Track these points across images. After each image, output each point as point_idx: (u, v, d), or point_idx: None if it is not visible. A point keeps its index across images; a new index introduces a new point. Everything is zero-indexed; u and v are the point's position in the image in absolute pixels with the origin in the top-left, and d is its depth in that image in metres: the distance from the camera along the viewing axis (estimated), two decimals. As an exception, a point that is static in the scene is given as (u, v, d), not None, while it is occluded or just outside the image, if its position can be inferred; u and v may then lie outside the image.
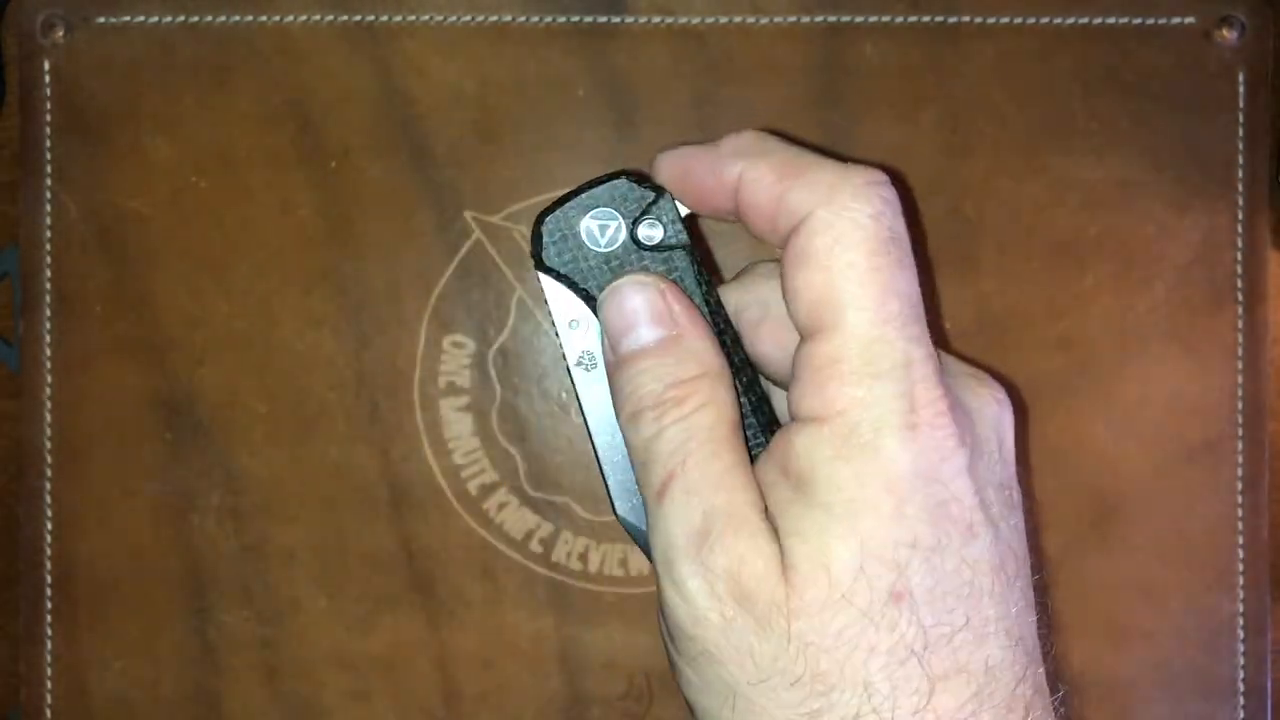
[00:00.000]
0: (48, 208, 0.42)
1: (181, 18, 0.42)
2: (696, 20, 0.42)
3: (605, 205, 0.30)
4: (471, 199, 0.42)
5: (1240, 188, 0.42)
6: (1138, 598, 0.42)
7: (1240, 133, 0.42)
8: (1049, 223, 0.42)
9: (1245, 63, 0.42)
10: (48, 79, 0.42)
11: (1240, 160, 0.42)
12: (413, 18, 0.42)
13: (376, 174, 0.42)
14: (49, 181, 0.42)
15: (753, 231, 0.28)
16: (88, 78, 0.42)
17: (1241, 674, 0.42)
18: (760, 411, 0.30)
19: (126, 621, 0.42)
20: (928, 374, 0.26)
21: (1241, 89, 0.42)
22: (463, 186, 0.42)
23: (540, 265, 0.30)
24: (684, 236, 0.30)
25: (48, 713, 0.42)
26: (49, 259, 0.42)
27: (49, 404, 0.42)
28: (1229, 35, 0.42)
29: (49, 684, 0.42)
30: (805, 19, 0.42)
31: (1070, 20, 0.42)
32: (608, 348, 0.29)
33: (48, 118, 0.42)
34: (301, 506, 0.42)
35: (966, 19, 0.42)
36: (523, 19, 0.42)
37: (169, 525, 0.42)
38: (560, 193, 0.30)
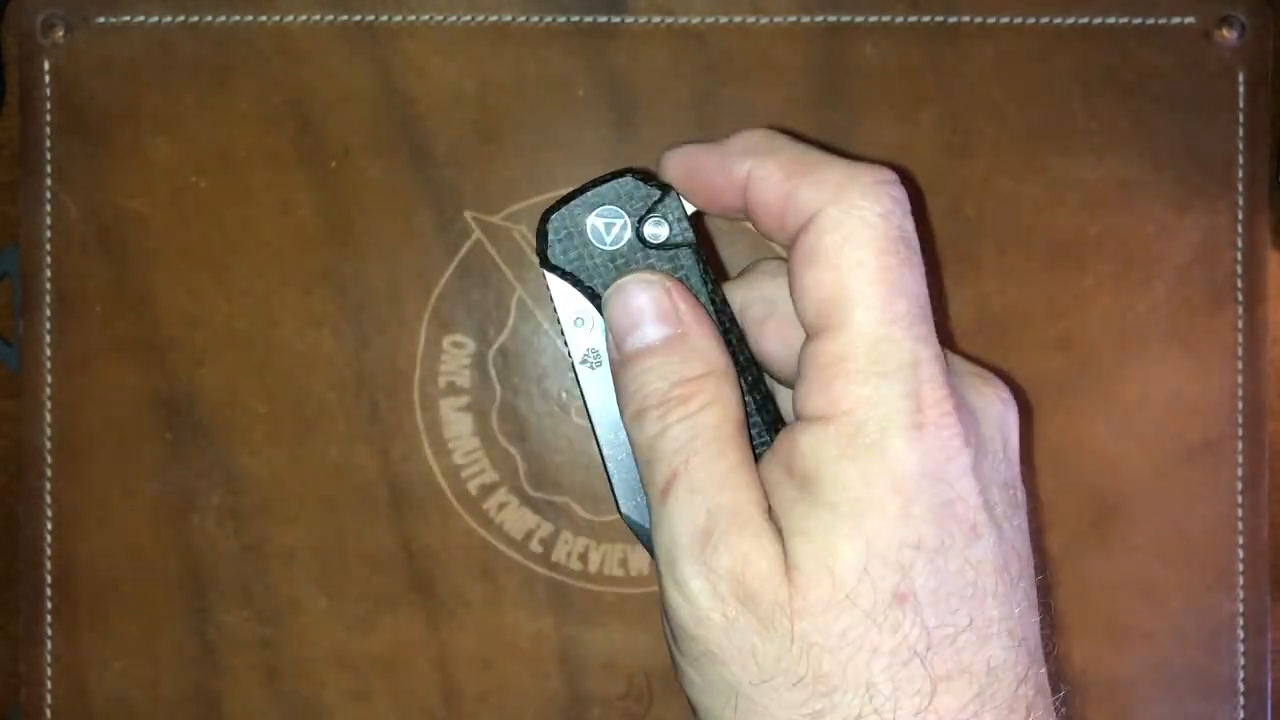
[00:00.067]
0: (48, 208, 0.42)
1: (181, 18, 0.42)
2: (696, 20, 0.42)
3: (611, 203, 0.30)
4: (471, 199, 0.42)
5: (1240, 188, 0.42)
6: (1138, 598, 0.42)
7: (1240, 133, 0.42)
8: (1049, 223, 0.42)
9: (1245, 63, 0.42)
10: (48, 79, 0.42)
11: (1240, 160, 0.42)
12: (413, 18, 0.42)
13: (376, 174, 0.42)
14: (49, 181, 0.42)
15: (760, 230, 0.28)
16: (88, 78, 0.42)
17: (1241, 674, 0.42)
18: (765, 410, 0.30)
19: (126, 621, 0.42)
20: (934, 374, 0.26)
21: (1241, 89, 0.42)
22: (463, 186, 0.42)
23: (545, 263, 0.30)
24: (690, 235, 0.30)
25: (48, 713, 0.42)
26: (49, 259, 0.42)
27: (49, 404, 0.42)
28: (1229, 35, 0.42)
29: (49, 684, 0.42)
30: (805, 19, 0.42)
31: (1070, 20, 0.42)
32: (612, 345, 0.29)
33: (48, 118, 0.42)
34: (301, 506, 0.42)
35: (966, 19, 0.42)
36: (523, 19, 0.42)
37: (169, 525, 0.42)
38: (564, 191, 0.30)
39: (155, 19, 0.42)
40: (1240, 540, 0.42)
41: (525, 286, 0.42)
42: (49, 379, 0.42)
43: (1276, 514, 0.42)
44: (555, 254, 0.30)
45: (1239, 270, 0.42)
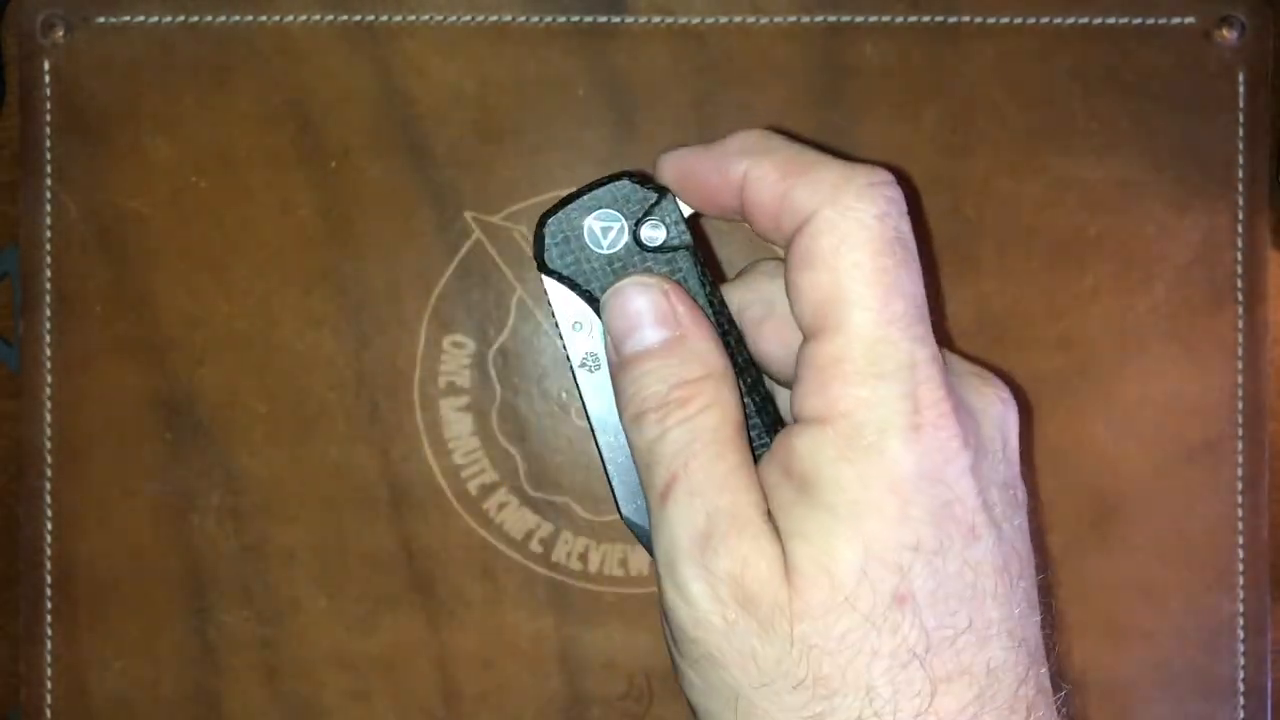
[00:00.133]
0: (48, 208, 0.42)
1: (181, 18, 0.42)
2: (696, 20, 0.42)
3: (607, 206, 0.30)
4: (471, 199, 0.42)
5: (1240, 188, 0.42)
6: (1138, 598, 0.42)
7: (1240, 133, 0.42)
8: (1049, 223, 0.42)
9: (1245, 63, 0.42)
10: (48, 79, 0.42)
11: (1240, 160, 0.42)
12: (413, 18, 0.42)
13: (376, 174, 0.42)
14: (49, 181, 0.42)
15: (756, 230, 0.28)
16: (88, 78, 0.42)
17: (1241, 674, 0.42)
18: (765, 412, 0.30)
19: (126, 621, 0.42)
20: (932, 375, 0.26)
21: (1241, 89, 0.42)
22: (463, 186, 0.42)
23: (543, 267, 0.30)
24: (687, 237, 0.30)
25: (48, 713, 0.42)
26: (49, 259, 0.42)
27: (49, 404, 0.42)
28: (1229, 35, 0.42)
29: (49, 684, 0.42)
30: (805, 19, 0.42)
31: (1070, 20, 0.42)
32: (611, 349, 0.29)
33: (48, 118, 0.42)
34: (301, 506, 0.42)
35: (966, 19, 0.42)
36: (523, 19, 0.42)
37: (169, 525, 0.42)
38: (562, 193, 0.30)
39: (155, 19, 0.42)
40: (1240, 540, 0.42)
41: (525, 286, 0.42)
42: (49, 379, 0.42)
43: (1276, 514, 0.42)
44: (552, 258, 0.30)
45: (1239, 270, 0.42)
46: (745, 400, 0.29)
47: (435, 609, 0.42)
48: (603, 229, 0.30)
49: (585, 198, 0.30)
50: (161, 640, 0.42)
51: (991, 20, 0.42)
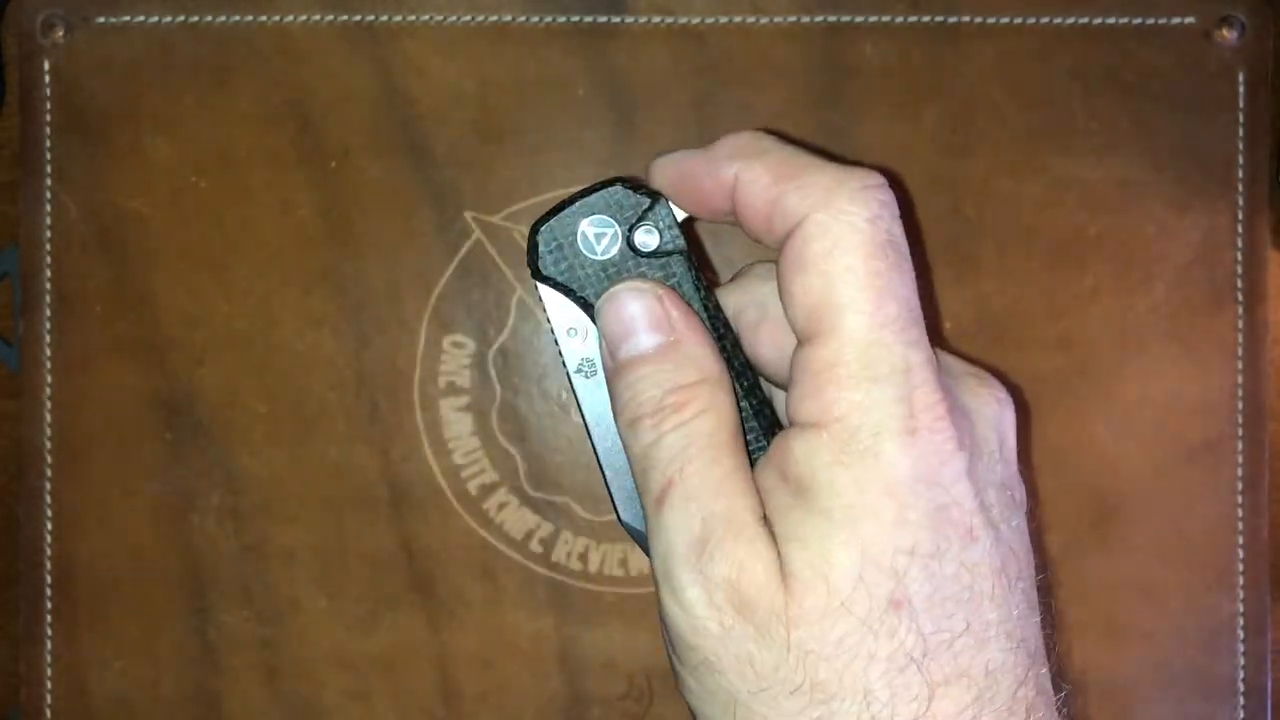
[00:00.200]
0: (48, 208, 0.42)
1: (181, 18, 0.42)
2: (696, 20, 0.42)
3: (601, 212, 0.30)
4: (471, 199, 0.42)
5: (1240, 188, 0.42)
6: (1138, 598, 0.42)
7: (1240, 133, 0.42)
8: (1049, 223, 0.42)
9: (1245, 63, 0.42)
10: (48, 79, 0.42)
11: (1240, 160, 0.42)
12: (413, 18, 0.42)
13: (376, 174, 0.42)
14: (49, 181, 0.42)
15: (749, 233, 0.28)
16: (88, 78, 0.42)
17: (1241, 674, 0.42)
18: (762, 415, 0.30)
19: (126, 621, 0.42)
20: (926, 378, 0.26)
21: (1241, 89, 0.42)
22: (463, 186, 0.42)
23: (537, 274, 0.30)
24: (681, 242, 0.29)
25: (48, 713, 0.42)
26: (49, 259, 0.42)
27: (49, 404, 0.42)
28: (1229, 35, 0.42)
29: (49, 684, 0.42)
30: (805, 19, 0.42)
31: (1070, 20, 0.42)
32: (606, 354, 0.29)
33: (48, 118, 0.42)
34: (301, 506, 0.42)
35: (966, 19, 0.42)
36: (523, 19, 0.42)
37: (169, 525, 0.42)
38: (561, 194, 0.30)
39: (155, 19, 0.42)
40: (1240, 540, 0.42)
41: (525, 286, 0.42)
42: (49, 379, 0.42)
43: (1276, 514, 0.42)
44: (547, 265, 0.30)
45: (1239, 270, 0.42)
46: (742, 404, 0.29)
47: (435, 609, 0.42)
48: (596, 235, 0.30)
49: (578, 204, 0.30)
50: (161, 640, 0.42)
51: (991, 20, 0.42)
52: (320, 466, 0.42)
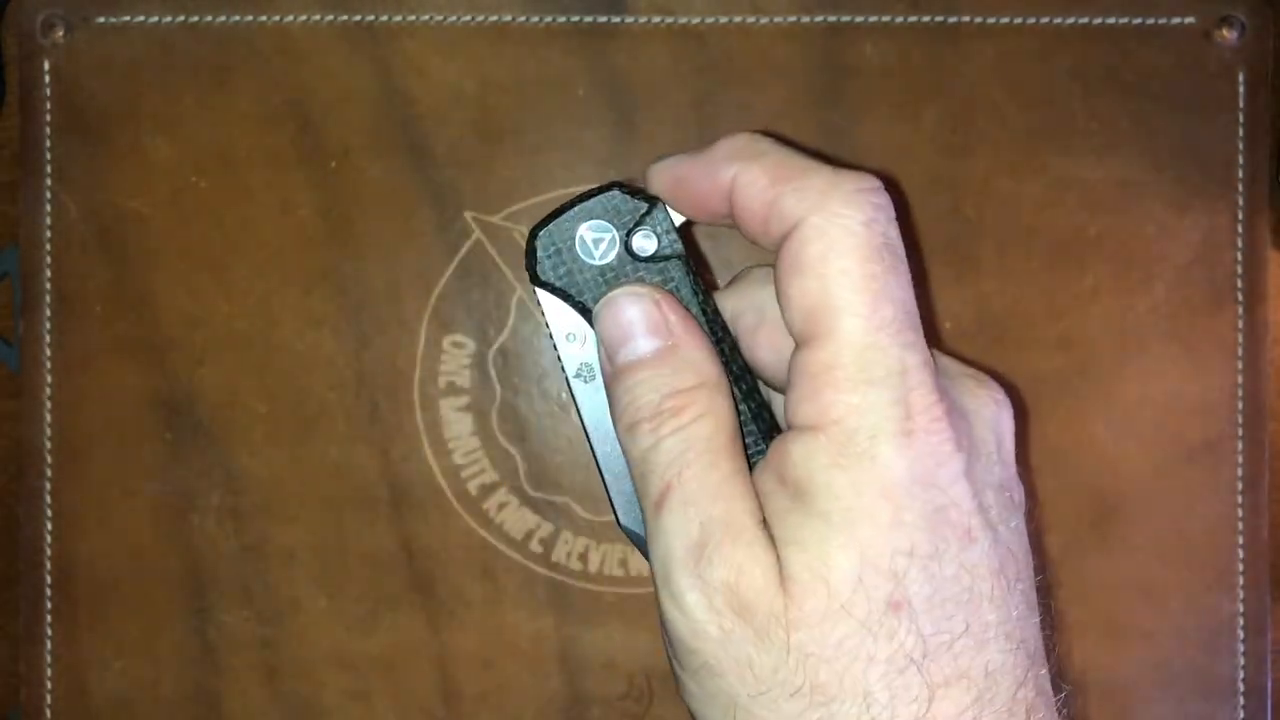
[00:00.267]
0: (48, 208, 0.42)
1: (181, 18, 0.42)
2: (696, 20, 0.42)
3: (598, 217, 0.30)
4: (471, 199, 0.42)
5: (1240, 188, 0.42)
6: (1138, 598, 0.42)
7: (1240, 133, 0.42)
8: (1049, 223, 0.42)
9: (1245, 63, 0.42)
10: (48, 79, 0.42)
11: (1240, 160, 0.42)
12: (413, 18, 0.42)
13: (376, 174, 0.42)
14: (49, 181, 0.42)
15: (746, 234, 0.28)
16: (88, 78, 0.42)
17: (1241, 674, 0.42)
18: (760, 419, 0.30)
19: (126, 621, 0.42)
20: (923, 380, 0.26)
21: (1241, 89, 0.42)
22: (463, 186, 0.42)
23: (535, 280, 0.30)
24: (679, 246, 0.29)
25: (48, 713, 0.42)
26: (49, 259, 0.42)
27: (49, 404, 0.42)
28: (1229, 35, 0.42)
29: (49, 684, 0.42)
30: (805, 19, 0.42)
31: (1070, 20, 0.42)
32: (604, 359, 0.29)
33: (48, 118, 0.42)
34: (301, 506, 0.42)
35: (966, 19, 0.42)
36: (523, 19, 0.42)
37: (169, 525, 0.42)
38: (556, 197, 0.30)
39: (155, 19, 0.42)
40: (1240, 540, 0.42)
41: (525, 287, 0.42)
42: (49, 379, 0.42)
43: (1276, 514, 0.42)
44: (545, 270, 0.30)
45: (1239, 270, 0.42)
46: (741, 407, 0.29)
47: (435, 609, 0.42)
48: (594, 240, 0.30)
49: (576, 209, 0.30)
50: (161, 640, 0.42)
51: (991, 20, 0.42)
52: (320, 466, 0.42)
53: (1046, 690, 0.27)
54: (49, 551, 0.42)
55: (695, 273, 0.30)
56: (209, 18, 0.42)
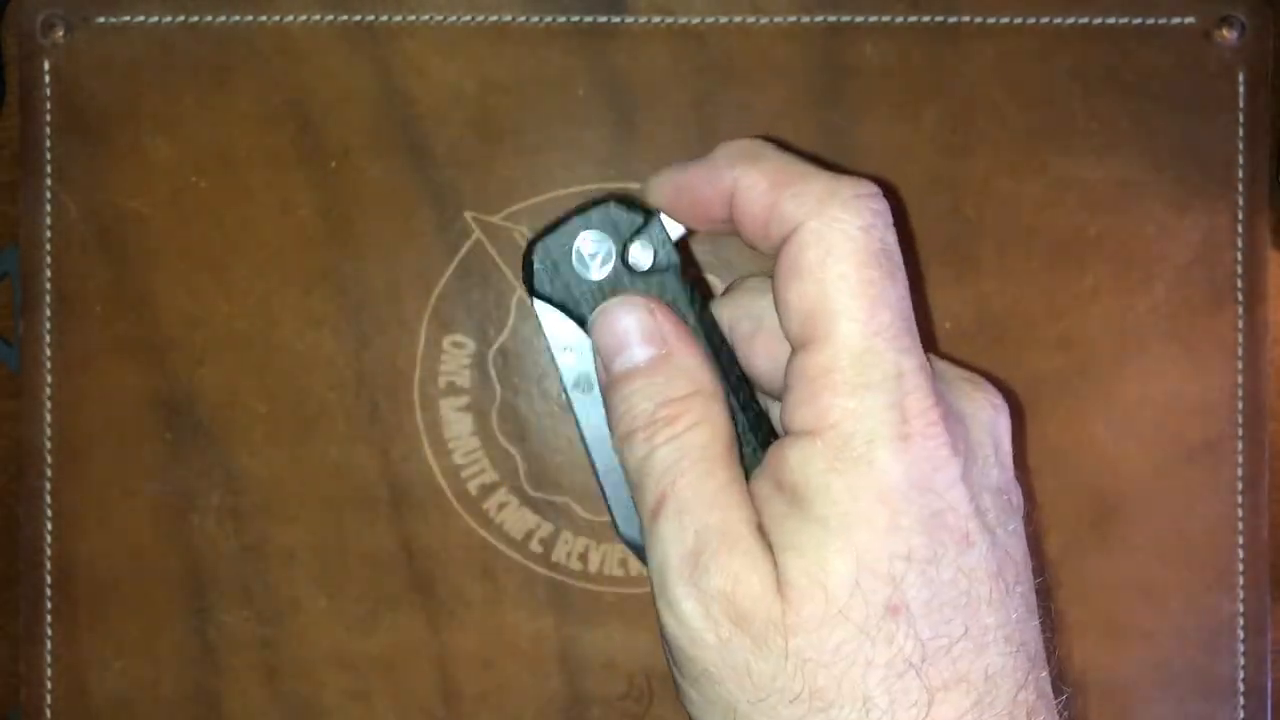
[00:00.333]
0: (48, 208, 0.42)
1: (181, 18, 0.42)
2: (696, 20, 0.42)
3: (595, 230, 0.30)
4: (471, 199, 0.42)
5: (1240, 188, 0.42)
6: (1138, 598, 0.42)
7: (1240, 133, 0.42)
8: (1049, 223, 0.42)
9: (1245, 63, 0.42)
10: (48, 79, 0.42)
11: (1240, 160, 0.42)
12: (413, 18, 0.42)
13: (376, 174, 0.42)
14: (49, 181, 0.42)
15: (746, 239, 0.28)
16: (88, 78, 0.42)
17: (1241, 674, 0.42)
18: (758, 428, 0.30)
19: (126, 621, 0.42)
20: (920, 384, 0.26)
21: (1241, 89, 0.42)
22: (463, 186, 0.42)
23: (533, 292, 0.30)
24: (675, 257, 0.30)
25: (48, 713, 0.42)
26: (49, 259, 0.42)
27: (49, 404, 0.42)
28: (1229, 35, 0.42)
29: (49, 684, 0.42)
30: (805, 19, 0.42)
31: (1070, 20, 0.42)
32: (600, 368, 0.29)
33: (48, 118, 0.42)
34: (301, 506, 0.42)
35: (966, 19, 0.42)
36: (523, 19, 0.42)
37: (169, 525, 0.42)
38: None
39: (155, 19, 0.42)
40: (1240, 540, 0.42)
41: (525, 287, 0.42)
42: (49, 379, 0.42)
43: (1276, 514, 0.42)
44: (542, 283, 0.30)
45: (1239, 270, 0.42)
46: (738, 416, 0.29)
47: (435, 609, 0.42)
48: (591, 253, 0.30)
49: (572, 222, 0.30)
50: (161, 640, 0.42)
51: (991, 20, 0.42)
52: (320, 466, 0.42)
53: (1047, 693, 0.27)
54: (49, 551, 0.42)
55: (692, 283, 0.30)
56: (209, 18, 0.42)
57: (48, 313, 0.42)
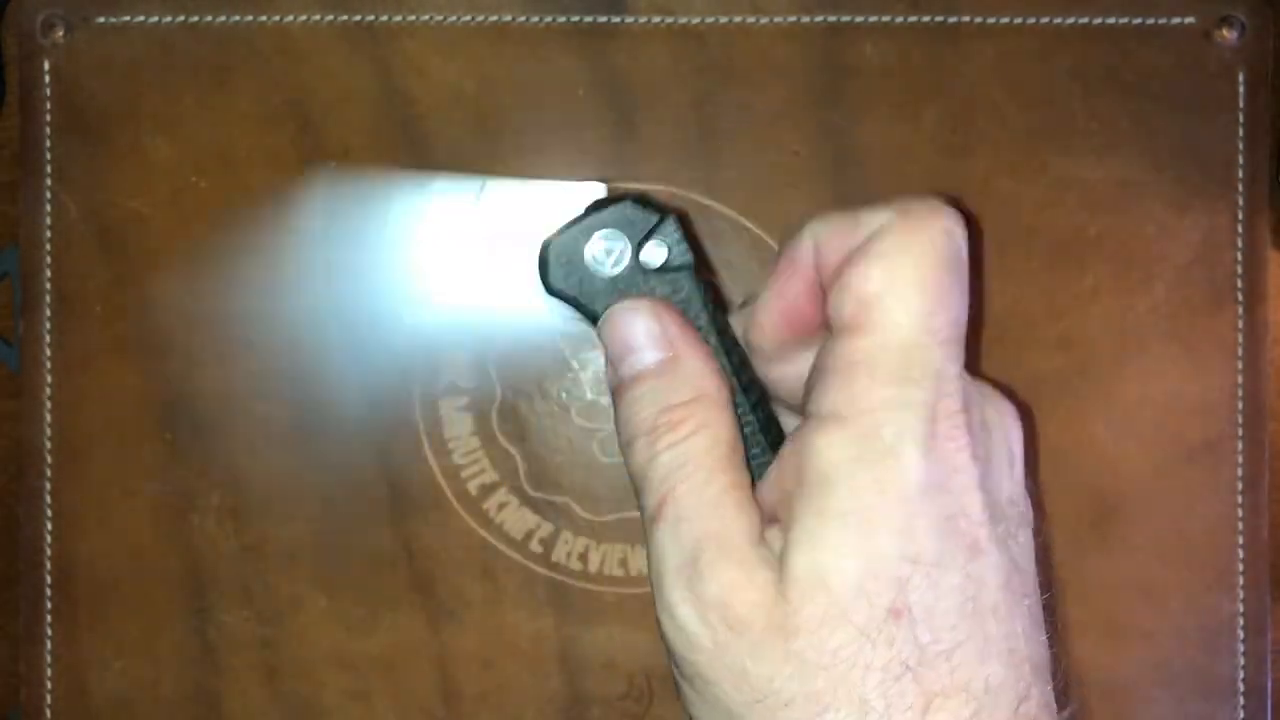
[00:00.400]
0: (48, 208, 0.42)
1: (181, 18, 0.42)
2: (696, 20, 0.42)
3: (610, 228, 0.30)
4: (471, 199, 0.42)
5: (1240, 188, 0.42)
6: (1138, 598, 0.42)
7: (1240, 133, 0.42)
8: (1049, 223, 0.42)
9: (1245, 63, 0.42)
10: (48, 79, 0.42)
11: (1240, 160, 0.42)
12: (413, 18, 0.42)
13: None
14: (49, 181, 0.42)
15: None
16: (88, 78, 0.42)
17: (1241, 674, 0.42)
18: (768, 431, 0.30)
19: (126, 621, 0.42)
20: (955, 390, 0.26)
21: (1241, 89, 0.42)
22: (463, 186, 0.42)
23: (548, 288, 0.30)
24: (689, 257, 0.30)
25: (48, 713, 0.42)
26: (49, 259, 0.42)
27: (49, 404, 0.42)
28: (1229, 35, 0.42)
29: (49, 684, 0.42)
30: (805, 19, 0.42)
31: (1070, 20, 0.42)
32: (610, 372, 0.29)
33: (48, 118, 0.42)
34: (301, 506, 0.42)
35: (966, 19, 0.42)
36: (523, 19, 0.42)
37: (169, 525, 0.42)
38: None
39: (155, 19, 0.42)
40: (1240, 540, 0.42)
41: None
42: (49, 379, 0.42)
43: (1276, 514, 0.42)
44: (557, 279, 0.30)
45: (1239, 270, 0.42)
46: (750, 417, 0.29)
47: (435, 609, 0.42)
48: (605, 250, 0.30)
49: (589, 220, 0.30)
50: (161, 640, 0.42)
51: (991, 20, 0.42)
52: (320, 466, 0.42)
53: (1050, 707, 0.26)
54: (49, 551, 0.42)
55: (706, 284, 0.30)
56: (209, 18, 0.42)
57: (48, 313, 0.42)
